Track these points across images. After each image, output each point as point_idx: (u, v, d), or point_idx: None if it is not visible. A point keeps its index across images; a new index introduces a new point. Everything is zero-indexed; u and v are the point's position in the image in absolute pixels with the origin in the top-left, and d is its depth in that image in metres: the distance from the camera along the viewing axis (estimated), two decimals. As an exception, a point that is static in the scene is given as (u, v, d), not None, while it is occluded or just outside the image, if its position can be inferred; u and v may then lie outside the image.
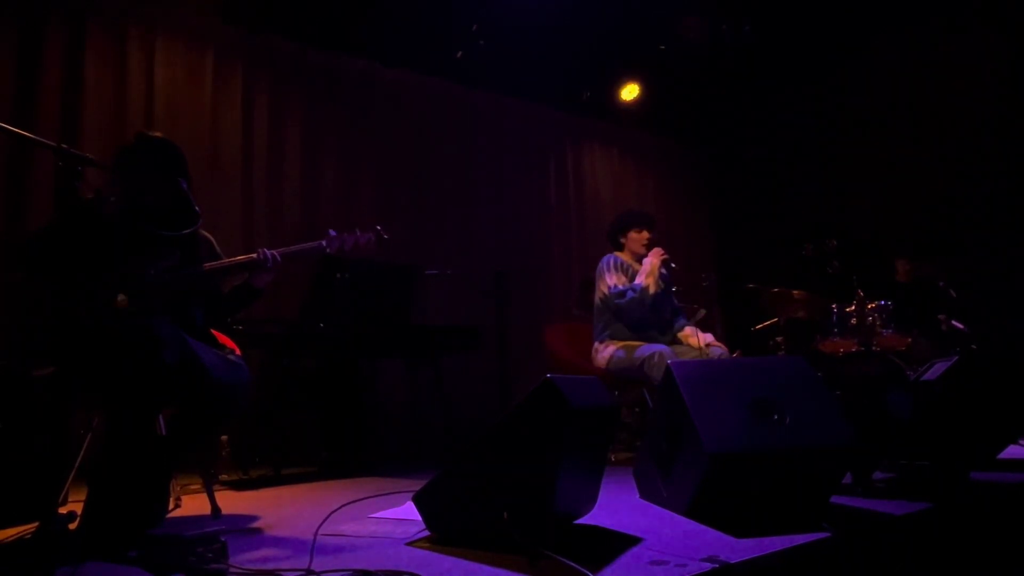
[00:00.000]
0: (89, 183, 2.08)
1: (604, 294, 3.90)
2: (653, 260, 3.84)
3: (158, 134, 2.33)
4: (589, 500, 2.15)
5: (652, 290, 3.77)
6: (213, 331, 2.49)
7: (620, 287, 3.84)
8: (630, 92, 6.13)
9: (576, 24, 5.23)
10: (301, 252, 2.46)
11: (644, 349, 3.64)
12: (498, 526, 1.76)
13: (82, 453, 2.54)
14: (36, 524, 1.65)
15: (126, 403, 1.94)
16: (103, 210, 2.20)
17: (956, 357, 3.06)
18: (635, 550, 1.77)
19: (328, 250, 2.46)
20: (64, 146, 1.77)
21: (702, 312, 4.85)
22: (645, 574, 1.55)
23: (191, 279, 2.26)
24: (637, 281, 3.81)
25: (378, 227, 2.57)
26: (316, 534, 1.96)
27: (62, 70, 4.05)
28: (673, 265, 3.86)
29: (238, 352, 2.40)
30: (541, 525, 1.77)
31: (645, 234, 3.98)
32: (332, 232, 2.49)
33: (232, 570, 1.63)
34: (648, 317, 3.83)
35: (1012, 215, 5.26)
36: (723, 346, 3.79)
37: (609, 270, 3.93)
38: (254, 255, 2.37)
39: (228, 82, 4.70)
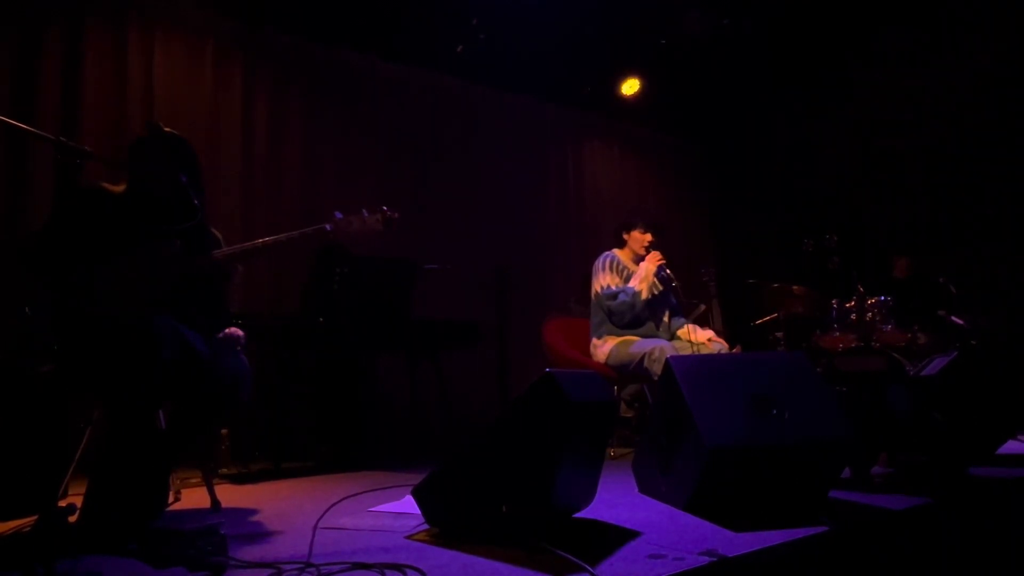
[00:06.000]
0: (88, 176, 2.08)
1: (597, 292, 3.91)
2: (649, 266, 3.83)
3: (170, 129, 2.33)
4: (588, 494, 2.15)
5: (644, 296, 3.77)
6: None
7: (612, 288, 3.84)
8: (631, 87, 6.12)
9: (577, 19, 5.22)
10: (305, 236, 2.42)
11: (644, 344, 3.64)
12: (497, 519, 1.77)
13: (82, 446, 2.54)
14: (36, 517, 1.65)
15: (125, 398, 1.94)
16: (103, 202, 2.20)
17: (955, 353, 3.07)
18: (633, 544, 1.77)
19: (333, 233, 2.42)
20: (63, 139, 1.76)
21: (701, 307, 4.85)
22: (643, 568, 1.55)
23: (195, 269, 2.25)
24: (631, 284, 3.81)
25: (384, 208, 2.52)
26: (315, 527, 1.96)
27: (61, 64, 4.03)
28: (669, 271, 3.84)
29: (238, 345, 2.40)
30: (540, 519, 1.77)
31: (648, 236, 3.97)
32: (339, 214, 2.45)
33: (231, 563, 1.63)
34: (642, 318, 3.83)
35: (1012, 211, 5.26)
36: (723, 341, 3.79)
37: (604, 269, 3.94)
38: (258, 242, 2.36)
39: (228, 76, 4.68)
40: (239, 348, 2.33)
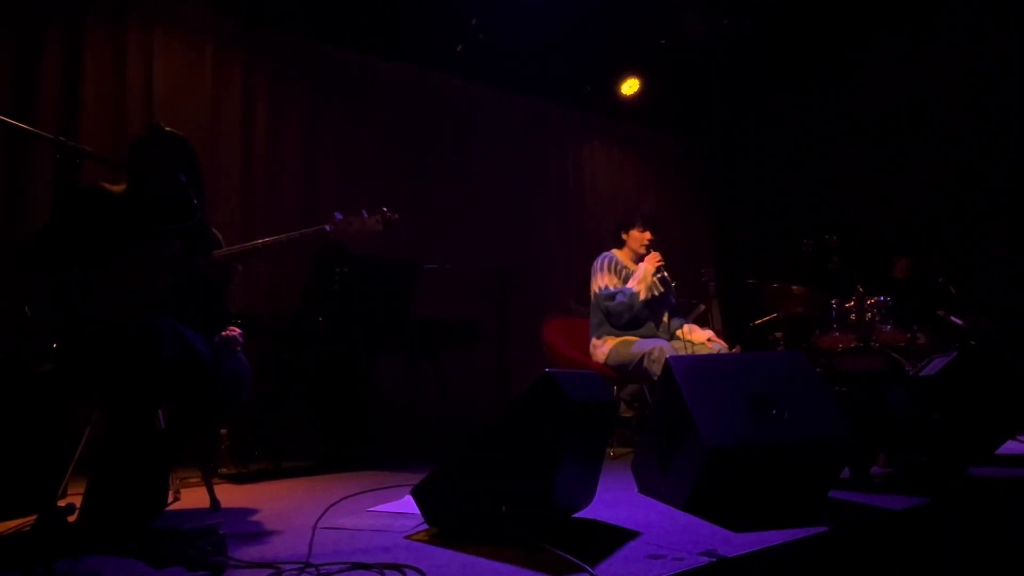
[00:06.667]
0: (88, 176, 2.08)
1: (595, 293, 3.90)
2: (647, 266, 3.80)
3: (171, 129, 2.33)
4: (587, 494, 2.15)
5: (643, 296, 3.74)
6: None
7: (611, 289, 3.82)
8: (630, 87, 6.12)
9: (577, 19, 5.22)
10: (304, 236, 2.40)
11: (643, 344, 3.63)
12: (497, 519, 1.76)
13: (81, 446, 2.54)
14: (35, 516, 1.65)
15: (125, 398, 1.94)
16: (102, 201, 2.20)
17: (955, 353, 3.07)
18: (633, 544, 1.77)
19: (332, 234, 2.41)
20: (62, 139, 1.76)
21: (701, 307, 4.85)
22: (643, 568, 1.55)
23: (194, 269, 2.25)
24: (629, 285, 3.79)
25: (384, 208, 2.51)
26: (315, 527, 1.96)
27: (61, 64, 4.03)
28: (666, 274, 3.81)
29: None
30: (540, 518, 1.77)
31: (647, 235, 3.93)
32: (338, 215, 2.44)
33: (231, 563, 1.63)
34: (640, 318, 3.82)
35: (1012, 211, 5.26)
36: (722, 342, 3.78)
37: (602, 270, 3.91)
38: (258, 242, 2.36)
39: (228, 76, 4.68)
40: (238, 348, 2.33)
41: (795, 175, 6.72)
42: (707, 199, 7.42)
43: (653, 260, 3.82)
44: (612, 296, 3.79)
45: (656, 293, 3.80)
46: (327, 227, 2.41)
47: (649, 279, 3.77)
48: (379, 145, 5.28)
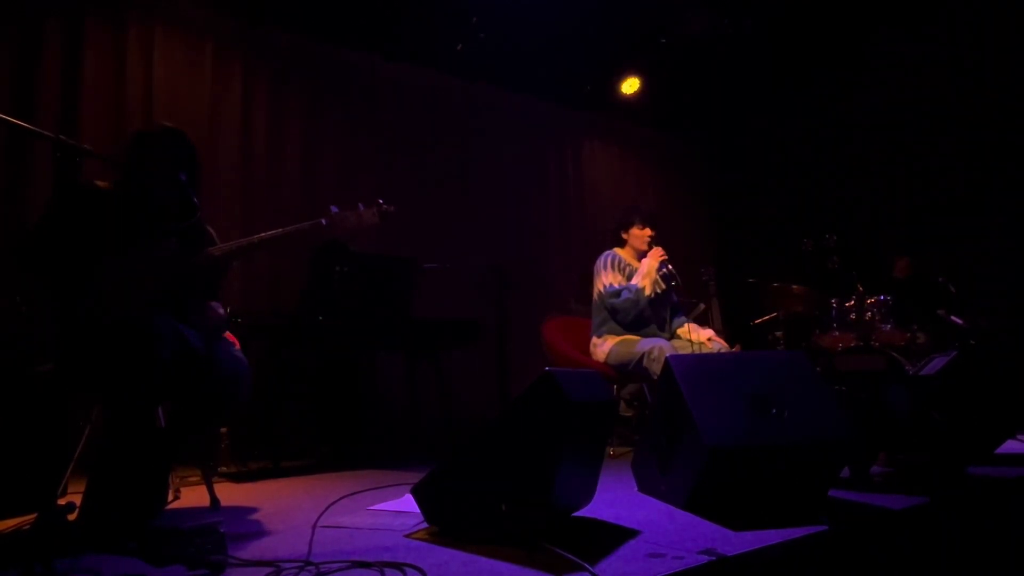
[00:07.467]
0: (87, 174, 2.08)
1: (600, 292, 3.89)
2: (651, 262, 3.80)
3: (172, 125, 2.32)
4: (587, 493, 2.15)
5: (648, 292, 3.73)
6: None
7: (615, 286, 3.81)
8: (631, 86, 6.12)
9: (577, 18, 5.21)
10: (301, 231, 2.38)
11: (643, 343, 3.63)
12: (497, 518, 1.77)
13: (81, 444, 2.54)
14: (35, 515, 1.65)
15: (125, 398, 1.94)
16: (99, 199, 2.19)
17: (954, 352, 3.07)
18: (633, 543, 1.77)
19: (328, 228, 2.39)
20: (62, 137, 1.76)
21: (701, 307, 4.85)
22: (643, 566, 1.55)
23: (191, 267, 2.24)
24: (633, 282, 3.79)
25: (380, 201, 2.49)
26: (315, 526, 1.96)
27: (61, 62, 4.03)
28: (671, 267, 3.82)
29: (237, 345, 2.39)
30: (539, 517, 1.77)
31: (648, 231, 3.93)
32: (334, 208, 2.42)
33: (230, 561, 1.63)
34: (645, 316, 3.82)
35: (1012, 211, 5.26)
36: (722, 341, 3.78)
37: (606, 268, 3.91)
38: (254, 238, 2.35)
39: (227, 75, 4.68)
40: (236, 347, 2.33)
41: (795, 174, 6.72)
42: (707, 198, 7.42)
43: (656, 255, 3.81)
44: (617, 293, 3.77)
45: (659, 290, 3.80)
46: (323, 221, 2.39)
47: (653, 274, 3.77)
48: (379, 145, 5.28)
